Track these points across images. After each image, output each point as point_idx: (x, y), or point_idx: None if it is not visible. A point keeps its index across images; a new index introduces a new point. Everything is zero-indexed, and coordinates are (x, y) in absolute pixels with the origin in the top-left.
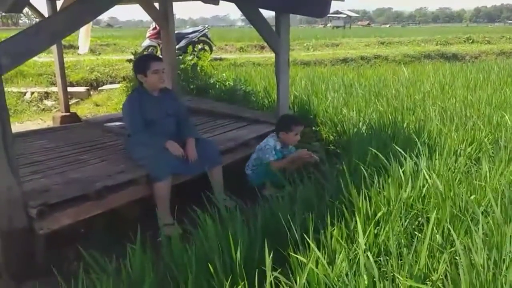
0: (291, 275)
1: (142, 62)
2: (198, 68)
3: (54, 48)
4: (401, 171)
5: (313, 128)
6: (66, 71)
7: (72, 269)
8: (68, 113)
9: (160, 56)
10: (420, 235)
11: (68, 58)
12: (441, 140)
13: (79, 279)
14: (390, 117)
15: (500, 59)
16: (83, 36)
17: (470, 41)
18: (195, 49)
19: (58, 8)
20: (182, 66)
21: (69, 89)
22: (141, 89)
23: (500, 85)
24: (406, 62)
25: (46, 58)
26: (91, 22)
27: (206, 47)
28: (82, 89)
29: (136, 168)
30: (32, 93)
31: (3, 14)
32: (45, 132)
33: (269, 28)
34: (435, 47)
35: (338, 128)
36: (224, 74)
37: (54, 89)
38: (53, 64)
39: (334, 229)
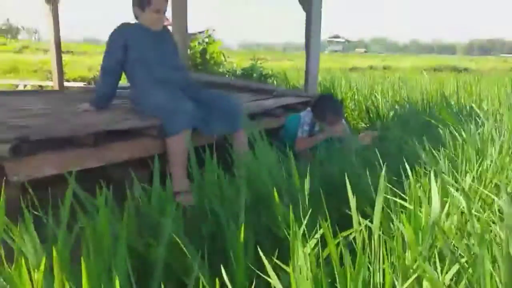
0: None
1: None
2: (208, 55)
3: (52, 44)
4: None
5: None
6: (63, 68)
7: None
8: None
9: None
10: None
11: (65, 56)
12: None
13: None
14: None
15: None
16: None
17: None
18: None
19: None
20: (189, 51)
21: (66, 83)
22: (131, 25)
23: None
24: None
25: (43, 56)
26: None
27: None
28: (79, 84)
29: (145, 118)
30: (25, 85)
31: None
32: (35, 93)
33: None
34: (445, 61)
35: (370, 114)
36: (234, 63)
37: (49, 83)
38: (49, 62)
39: None
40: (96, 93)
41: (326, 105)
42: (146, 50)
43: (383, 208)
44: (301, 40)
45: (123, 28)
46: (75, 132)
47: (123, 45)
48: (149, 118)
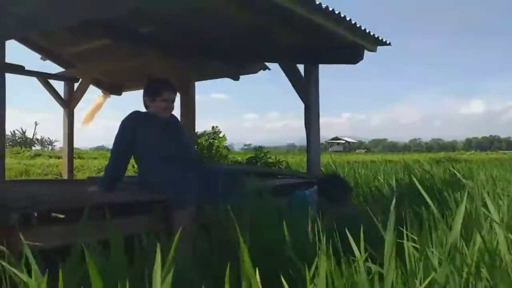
0: None
1: (155, 86)
2: (214, 149)
3: (65, 147)
4: None
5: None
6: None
7: None
8: None
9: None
10: None
11: (75, 161)
12: None
13: None
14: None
15: None
16: (90, 113)
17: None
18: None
19: (74, 89)
20: (196, 147)
21: None
22: (141, 113)
23: None
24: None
25: (54, 160)
26: (104, 101)
27: None
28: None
29: (152, 194)
30: None
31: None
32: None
33: (302, 80)
34: (445, 155)
35: (373, 195)
36: (239, 157)
37: None
38: (60, 164)
39: None
40: (104, 174)
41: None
42: (154, 134)
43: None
44: (303, 142)
45: (134, 115)
46: (83, 203)
47: (133, 129)
48: (155, 194)
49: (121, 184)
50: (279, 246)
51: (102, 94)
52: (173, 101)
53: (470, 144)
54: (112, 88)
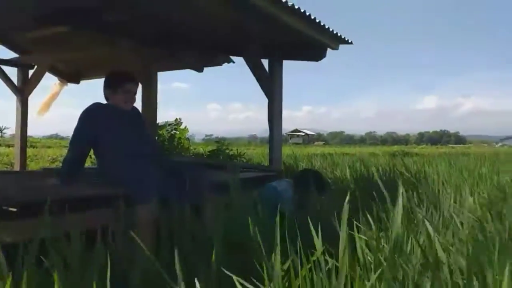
0: None
1: (115, 77)
2: (175, 141)
3: (17, 135)
4: None
5: None
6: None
7: None
8: None
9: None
10: None
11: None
12: None
13: None
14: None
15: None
16: (46, 102)
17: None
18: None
19: (29, 76)
20: (157, 138)
21: None
22: (102, 105)
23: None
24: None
25: (4, 149)
26: (61, 89)
27: None
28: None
29: (112, 188)
30: None
31: None
32: None
33: (266, 75)
34: (399, 148)
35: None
36: (201, 148)
37: None
38: (11, 154)
39: None
40: (63, 166)
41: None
42: (116, 128)
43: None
44: (265, 134)
45: (95, 108)
46: (40, 197)
47: (94, 122)
48: (115, 188)
49: (80, 176)
50: (248, 241)
51: (59, 82)
52: (135, 93)
53: (422, 138)
54: (70, 76)
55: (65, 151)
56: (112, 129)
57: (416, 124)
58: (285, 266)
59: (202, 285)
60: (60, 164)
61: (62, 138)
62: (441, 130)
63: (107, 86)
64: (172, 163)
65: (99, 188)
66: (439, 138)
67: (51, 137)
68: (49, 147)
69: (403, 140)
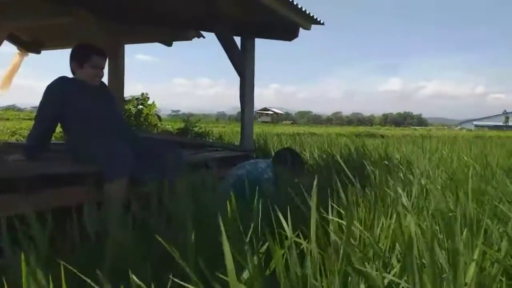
0: None
1: (83, 51)
2: (142, 117)
3: None
4: None
5: None
6: None
7: None
8: None
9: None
10: None
11: None
12: None
13: None
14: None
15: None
16: (7, 75)
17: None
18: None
19: None
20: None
21: None
22: (68, 79)
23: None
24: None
25: None
26: (22, 60)
27: None
28: None
29: (82, 166)
30: None
31: None
32: None
33: (239, 52)
34: (364, 129)
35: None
36: (169, 126)
37: None
38: None
39: None
40: (28, 141)
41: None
42: (84, 103)
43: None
44: (233, 111)
45: (61, 82)
46: (9, 175)
47: (60, 99)
48: (85, 166)
49: (47, 152)
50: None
51: (18, 52)
52: (103, 67)
53: (386, 119)
54: (31, 45)
55: (24, 124)
56: (79, 104)
57: (380, 105)
58: (263, 249)
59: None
60: (22, 139)
61: (20, 110)
62: (404, 112)
63: (73, 59)
64: (144, 140)
65: (70, 166)
66: (402, 120)
67: (8, 108)
68: (7, 119)
69: (368, 121)
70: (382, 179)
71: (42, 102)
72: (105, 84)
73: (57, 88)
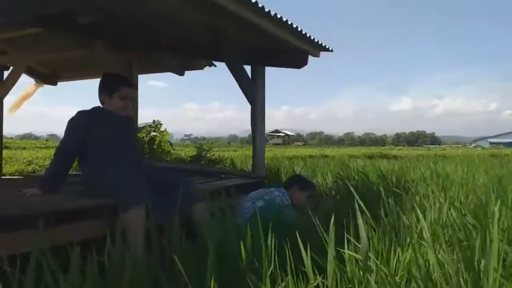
0: None
1: (112, 81)
2: (155, 144)
3: None
4: None
5: None
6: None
7: None
8: None
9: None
10: None
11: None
12: None
13: None
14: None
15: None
16: (18, 102)
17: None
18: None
19: (4, 78)
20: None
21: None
22: (100, 108)
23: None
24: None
25: None
26: (36, 90)
27: None
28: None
29: (98, 198)
30: None
31: None
32: None
33: (249, 81)
34: (377, 150)
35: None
36: (182, 153)
37: None
38: None
39: None
40: (45, 174)
41: (303, 177)
42: (106, 133)
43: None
44: (245, 134)
45: (88, 111)
46: (26, 211)
47: (86, 128)
48: (101, 197)
49: (64, 185)
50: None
51: (35, 83)
52: (131, 99)
53: (399, 139)
54: (47, 77)
55: (40, 153)
56: (101, 133)
57: (393, 125)
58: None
59: None
60: (38, 168)
61: (36, 138)
62: (417, 131)
63: (103, 90)
64: (158, 170)
65: (86, 199)
66: (416, 139)
67: (24, 136)
68: (24, 148)
69: (381, 140)
70: (397, 208)
71: (67, 131)
72: (130, 117)
73: (83, 116)
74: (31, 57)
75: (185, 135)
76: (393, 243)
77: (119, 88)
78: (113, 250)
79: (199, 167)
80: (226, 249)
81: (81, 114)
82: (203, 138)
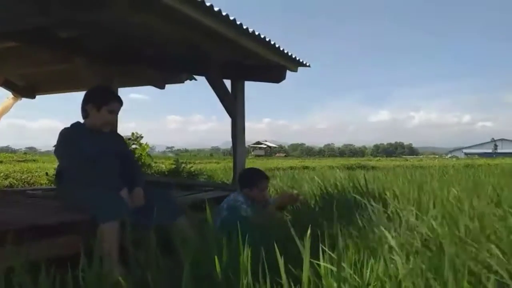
0: None
1: (101, 94)
2: (136, 156)
3: None
4: None
5: None
6: None
7: None
8: None
9: None
10: None
11: None
12: None
13: None
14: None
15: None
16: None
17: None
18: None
19: None
20: None
21: None
22: (79, 124)
23: None
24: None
25: None
26: (14, 104)
27: None
28: None
29: (75, 213)
30: None
31: None
32: None
33: (228, 94)
34: (355, 161)
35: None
36: (163, 165)
37: None
38: None
39: None
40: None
41: (250, 171)
42: (90, 149)
43: None
44: (227, 145)
45: (75, 126)
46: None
47: (76, 141)
48: (78, 212)
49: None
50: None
51: (12, 97)
52: (117, 113)
53: (378, 150)
54: (25, 91)
55: (17, 167)
56: (85, 149)
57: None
58: None
59: None
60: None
61: (14, 152)
62: (395, 142)
63: (90, 101)
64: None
65: (62, 214)
66: (394, 149)
67: (1, 150)
68: (0, 161)
69: (360, 152)
70: (371, 218)
71: (63, 147)
72: (117, 132)
73: (72, 131)
74: (8, 70)
75: (167, 148)
76: (366, 254)
77: (109, 102)
78: (88, 270)
79: (178, 180)
80: (202, 262)
81: (70, 129)
82: (186, 150)
